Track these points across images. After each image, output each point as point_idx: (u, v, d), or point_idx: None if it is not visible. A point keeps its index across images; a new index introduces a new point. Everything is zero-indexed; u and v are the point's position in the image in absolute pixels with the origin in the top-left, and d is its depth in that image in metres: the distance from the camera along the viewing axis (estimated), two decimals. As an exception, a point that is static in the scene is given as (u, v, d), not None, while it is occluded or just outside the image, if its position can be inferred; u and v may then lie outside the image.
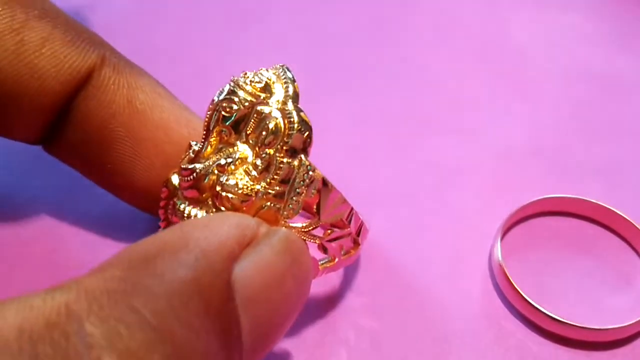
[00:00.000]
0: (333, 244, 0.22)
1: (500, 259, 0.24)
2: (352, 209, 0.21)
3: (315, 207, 0.20)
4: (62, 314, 0.13)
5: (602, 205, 0.26)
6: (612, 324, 0.23)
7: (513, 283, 0.23)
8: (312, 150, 0.21)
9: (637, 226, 0.25)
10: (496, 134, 0.30)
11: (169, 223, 0.21)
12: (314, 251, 0.21)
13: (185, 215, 0.20)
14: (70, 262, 0.25)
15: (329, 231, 0.21)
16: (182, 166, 0.20)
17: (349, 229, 0.22)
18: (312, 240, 0.21)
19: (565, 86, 0.33)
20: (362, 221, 0.22)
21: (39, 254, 0.25)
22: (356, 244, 0.22)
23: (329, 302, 0.24)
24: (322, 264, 0.22)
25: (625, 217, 0.26)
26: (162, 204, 0.21)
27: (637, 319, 0.23)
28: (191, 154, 0.20)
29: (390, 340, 0.23)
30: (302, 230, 0.21)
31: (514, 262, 0.25)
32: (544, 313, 0.23)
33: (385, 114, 0.31)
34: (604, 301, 0.24)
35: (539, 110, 0.31)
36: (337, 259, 0.22)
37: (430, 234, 0.26)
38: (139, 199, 0.24)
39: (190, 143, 0.21)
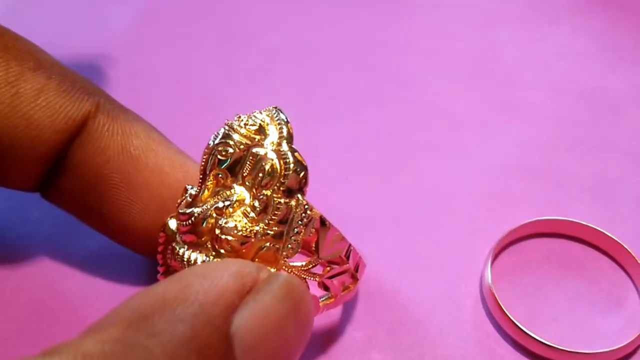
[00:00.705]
0: (333, 281, 0.22)
1: (490, 283, 0.24)
2: (349, 245, 0.22)
3: (314, 245, 0.21)
4: None
5: (593, 227, 0.26)
6: (603, 347, 0.23)
7: (503, 308, 0.24)
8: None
9: (628, 248, 0.26)
10: (486, 155, 0.30)
11: (167, 268, 0.22)
12: (314, 289, 0.21)
13: (185, 259, 0.20)
14: (67, 297, 0.25)
15: (328, 268, 0.22)
16: (180, 211, 0.21)
17: (347, 265, 0.22)
18: (312, 279, 0.22)
19: (555, 104, 0.33)
20: (359, 256, 0.22)
21: (36, 288, 0.25)
22: (354, 279, 0.23)
23: (324, 331, 0.24)
24: (322, 301, 0.22)
25: (615, 239, 0.26)
26: (160, 249, 0.22)
27: (626, 342, 0.23)
28: (188, 198, 0.21)
29: (383, 366, 0.23)
30: (302, 269, 0.21)
31: (505, 286, 0.25)
32: (534, 338, 0.23)
33: (375, 137, 0.31)
34: (594, 324, 0.24)
35: (529, 130, 0.32)
36: (337, 296, 0.22)
37: (423, 259, 0.26)
38: (135, 242, 0.24)
39: (186, 187, 0.21)
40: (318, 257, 0.21)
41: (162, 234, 0.22)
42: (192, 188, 0.21)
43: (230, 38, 0.37)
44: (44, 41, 0.25)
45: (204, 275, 0.16)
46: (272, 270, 0.19)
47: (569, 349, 0.23)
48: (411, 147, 0.31)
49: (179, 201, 0.21)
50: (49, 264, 0.26)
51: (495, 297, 0.24)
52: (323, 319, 0.24)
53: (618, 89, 0.34)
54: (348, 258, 0.22)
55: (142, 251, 0.24)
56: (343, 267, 0.22)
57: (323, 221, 0.20)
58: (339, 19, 0.38)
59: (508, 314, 0.23)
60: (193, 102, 0.33)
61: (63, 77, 0.23)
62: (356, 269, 0.23)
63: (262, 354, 0.16)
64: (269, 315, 0.16)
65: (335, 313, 0.25)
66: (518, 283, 0.26)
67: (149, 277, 0.25)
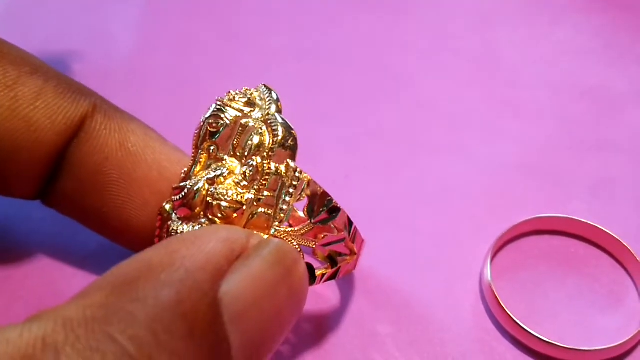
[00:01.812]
0: (328, 249, 0.22)
1: (490, 280, 0.24)
2: (344, 212, 0.21)
3: (305, 210, 0.21)
4: (38, 348, 0.13)
5: (593, 225, 0.26)
6: (602, 343, 0.23)
7: (503, 305, 0.24)
8: (304, 169, 0.22)
9: (627, 245, 0.26)
10: (486, 152, 0.31)
11: None
12: (312, 261, 0.21)
13: (178, 233, 0.21)
14: (68, 296, 0.25)
15: (322, 235, 0.21)
16: (173, 187, 0.21)
17: (342, 233, 0.21)
18: (305, 244, 0.21)
19: (555, 103, 0.33)
20: (355, 226, 0.22)
21: (37, 287, 0.25)
22: (352, 252, 0.22)
23: (323, 329, 0.24)
24: (320, 271, 0.22)
25: (615, 236, 0.26)
26: (157, 232, 0.22)
27: (626, 339, 0.23)
28: (182, 175, 0.21)
29: (383, 363, 0.23)
30: (295, 233, 0.21)
31: (504, 283, 0.25)
32: (534, 335, 0.23)
33: (376, 135, 0.31)
34: (594, 321, 0.25)
35: (529, 128, 0.32)
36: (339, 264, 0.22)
37: (422, 256, 0.27)
38: (135, 240, 0.24)
39: (183, 171, 0.22)
40: (310, 221, 0.21)
41: (158, 217, 0.22)
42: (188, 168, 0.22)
43: (230, 37, 0.37)
44: (43, 41, 0.25)
45: (192, 241, 0.16)
46: (264, 236, 0.19)
47: (568, 346, 0.23)
48: (411, 145, 0.31)
49: (173, 186, 0.22)
50: (50, 264, 0.26)
51: (495, 295, 0.24)
52: (321, 314, 0.24)
53: (618, 87, 0.34)
54: (344, 227, 0.21)
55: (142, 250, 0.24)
56: (338, 235, 0.21)
57: (314, 184, 0.21)
58: (340, 18, 0.38)
59: (507, 311, 0.23)
60: (193, 101, 0.33)
61: (59, 80, 0.23)
62: (353, 240, 0.22)
63: (253, 320, 0.16)
64: (259, 280, 0.16)
65: (333, 310, 0.25)
66: (518, 280, 0.26)
67: None
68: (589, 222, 0.27)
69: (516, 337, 0.24)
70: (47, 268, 0.26)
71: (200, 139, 0.21)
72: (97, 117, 0.23)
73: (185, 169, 0.21)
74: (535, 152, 0.31)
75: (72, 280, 0.26)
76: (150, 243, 0.22)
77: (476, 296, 0.25)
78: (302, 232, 0.21)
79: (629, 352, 0.24)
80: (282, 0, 0.39)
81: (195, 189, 0.20)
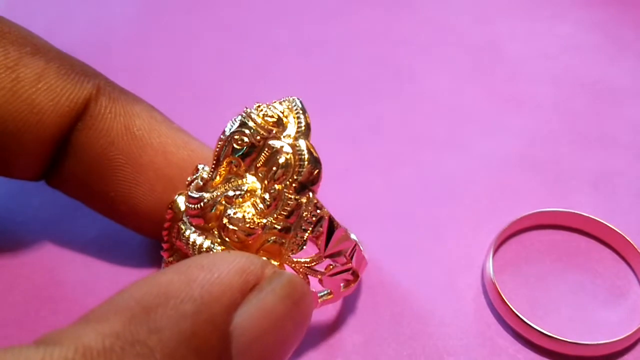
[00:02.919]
0: (335, 278, 0.22)
1: (492, 274, 0.24)
2: (355, 245, 0.21)
3: (319, 242, 0.21)
4: None
5: (595, 219, 0.26)
6: (604, 337, 0.23)
7: (505, 299, 0.24)
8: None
9: (630, 239, 0.26)
10: (488, 147, 0.30)
11: (171, 246, 0.22)
12: (314, 283, 0.21)
13: (190, 242, 0.20)
14: (67, 283, 0.25)
15: (331, 266, 0.21)
16: (190, 194, 0.20)
17: (350, 264, 0.22)
18: (314, 275, 0.21)
19: (557, 97, 0.33)
20: (363, 255, 0.22)
21: (36, 274, 0.25)
22: (355, 276, 0.23)
23: (325, 323, 0.24)
24: (322, 297, 0.22)
25: (617, 230, 0.26)
26: (166, 225, 0.22)
27: (628, 333, 0.23)
28: (199, 181, 0.20)
29: (385, 357, 0.23)
30: (305, 265, 0.21)
31: (506, 277, 0.25)
32: (536, 329, 0.23)
33: (377, 129, 0.31)
34: (596, 315, 0.24)
35: (531, 122, 0.32)
36: (337, 293, 0.22)
37: (424, 251, 0.26)
38: (142, 224, 0.24)
39: (197, 166, 0.21)
40: (323, 255, 0.21)
41: (169, 211, 0.21)
42: (203, 168, 0.21)
43: (232, 32, 0.37)
44: (43, 34, 0.24)
45: (209, 268, 0.16)
46: (276, 264, 0.19)
47: (570, 340, 0.23)
48: (413, 139, 0.31)
49: (189, 179, 0.21)
50: (49, 251, 0.26)
51: (497, 289, 0.24)
52: (324, 310, 0.24)
53: (620, 81, 0.34)
54: (352, 257, 0.22)
55: (149, 233, 0.24)
56: (345, 266, 0.22)
57: (332, 221, 0.20)
58: (341, 12, 0.38)
59: (510, 305, 0.23)
60: (195, 95, 0.33)
61: (62, 60, 0.22)
62: (358, 264, 0.22)
63: (258, 351, 0.16)
64: (269, 314, 0.17)
65: (336, 305, 0.25)
66: (520, 274, 0.26)
67: (151, 262, 0.26)
68: (591, 216, 0.26)
69: (518, 331, 0.24)
70: (46, 255, 0.26)
71: (224, 152, 0.20)
72: (102, 100, 0.23)
73: (203, 172, 0.21)
74: (537, 146, 0.31)
75: (72, 267, 0.26)
76: (156, 229, 0.23)
77: (478, 290, 0.25)
78: (312, 264, 0.21)
79: (631, 347, 0.24)
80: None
81: (212, 203, 0.20)
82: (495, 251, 0.26)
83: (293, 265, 0.21)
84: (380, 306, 0.25)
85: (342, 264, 0.21)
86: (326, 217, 0.20)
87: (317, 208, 0.20)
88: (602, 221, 0.26)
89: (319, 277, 0.21)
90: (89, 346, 0.13)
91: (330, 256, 0.21)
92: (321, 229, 0.20)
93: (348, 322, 0.24)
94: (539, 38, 0.36)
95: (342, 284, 0.22)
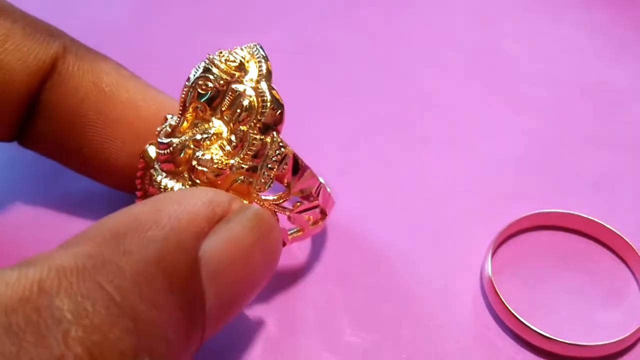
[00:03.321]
0: (302, 215, 0.23)
1: (490, 275, 0.24)
2: (320, 183, 0.22)
3: (285, 180, 0.22)
4: (34, 291, 0.14)
5: (594, 220, 0.26)
6: (603, 339, 0.23)
7: (503, 300, 0.24)
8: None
9: (628, 241, 0.26)
10: (487, 148, 0.30)
11: (145, 193, 0.23)
12: (284, 222, 0.22)
13: (162, 187, 0.21)
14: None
15: (298, 203, 0.23)
16: (160, 140, 0.21)
17: (317, 201, 0.23)
18: (282, 212, 0.22)
19: (556, 98, 0.33)
20: (329, 194, 0.23)
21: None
22: (323, 214, 0.24)
23: (322, 329, 0.24)
24: (291, 234, 0.23)
25: (616, 232, 0.26)
26: (139, 174, 0.23)
27: (626, 335, 0.23)
28: (168, 128, 0.21)
29: (384, 359, 0.23)
30: (273, 202, 0.22)
31: (505, 278, 0.25)
32: (535, 330, 0.23)
33: (375, 129, 0.31)
34: (595, 316, 0.24)
35: (530, 123, 0.32)
36: (305, 230, 0.23)
37: (423, 251, 0.26)
38: (116, 178, 0.25)
39: (166, 116, 0.22)
40: (289, 192, 0.22)
41: (141, 160, 0.22)
42: (172, 118, 0.22)
43: (230, 30, 0.37)
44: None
45: (178, 201, 0.17)
46: (245, 202, 0.20)
47: (568, 341, 0.23)
48: (412, 140, 0.31)
49: (158, 129, 0.22)
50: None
51: (496, 290, 0.24)
52: (319, 310, 0.24)
53: (619, 83, 0.34)
54: (318, 195, 0.23)
55: (123, 187, 0.25)
56: (313, 203, 0.23)
57: (296, 159, 0.21)
58: (339, 11, 0.38)
59: (508, 307, 0.23)
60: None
61: (27, 21, 0.23)
62: (325, 203, 0.23)
63: (227, 278, 0.17)
64: (236, 243, 0.18)
65: (334, 306, 0.25)
66: (518, 276, 0.26)
67: None
68: (590, 217, 0.26)
69: (516, 332, 0.24)
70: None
71: (189, 98, 0.21)
72: (69, 58, 0.23)
73: (171, 121, 0.22)
74: (537, 148, 0.31)
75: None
76: (131, 182, 0.23)
77: (477, 291, 0.25)
78: (280, 201, 0.22)
79: (629, 348, 0.24)
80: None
81: (181, 147, 0.21)
82: (494, 252, 0.26)
83: (261, 203, 0.22)
84: (379, 308, 0.25)
85: (310, 202, 0.23)
86: (290, 155, 0.21)
87: (282, 147, 0.21)
88: (601, 222, 0.26)
89: (287, 214, 0.22)
90: (62, 266, 0.14)
91: (297, 193, 0.22)
92: (286, 167, 0.21)
93: (346, 322, 0.24)
94: (539, 39, 0.36)
95: (310, 222, 0.23)
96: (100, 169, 0.24)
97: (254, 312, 0.24)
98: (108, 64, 0.24)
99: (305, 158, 0.23)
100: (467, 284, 0.25)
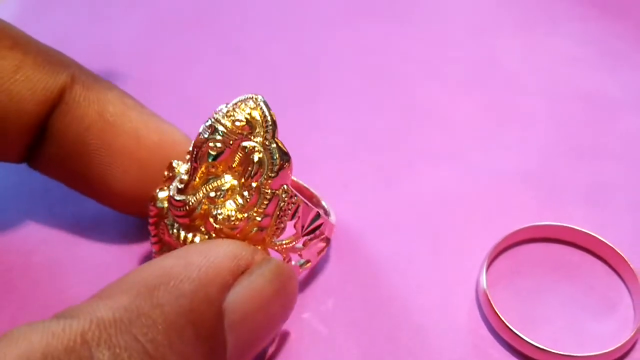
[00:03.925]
0: (311, 250, 0.25)
1: (485, 287, 0.25)
2: (325, 220, 0.24)
3: (297, 226, 0.23)
4: (78, 342, 0.16)
5: (587, 233, 0.27)
6: (596, 349, 0.23)
7: (498, 312, 0.24)
8: (303, 178, 0.25)
9: (621, 253, 0.26)
10: (482, 160, 0.31)
11: (160, 240, 0.24)
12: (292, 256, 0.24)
13: (182, 239, 0.22)
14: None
15: (308, 240, 0.24)
16: (175, 198, 0.22)
17: (324, 235, 0.25)
18: (294, 252, 0.24)
19: (551, 110, 0.33)
20: (333, 224, 0.25)
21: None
22: (327, 241, 0.25)
23: (319, 339, 0.25)
24: (301, 265, 0.25)
25: (609, 244, 0.26)
26: (151, 221, 0.24)
27: (618, 345, 0.23)
28: (179, 184, 0.22)
29: (380, 370, 0.24)
30: (286, 246, 0.24)
31: (500, 290, 0.26)
32: (529, 342, 0.23)
33: (373, 143, 0.32)
34: (588, 327, 0.25)
35: (524, 135, 0.32)
36: (313, 260, 0.25)
37: (419, 263, 0.27)
38: (120, 203, 0.26)
39: (171, 163, 0.23)
40: (300, 235, 0.24)
41: (152, 208, 0.23)
42: (178, 164, 0.23)
43: (229, 46, 0.37)
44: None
45: (204, 254, 0.19)
46: (265, 254, 0.21)
47: (562, 352, 0.23)
48: (408, 153, 0.31)
49: (165, 174, 0.23)
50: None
51: (490, 302, 0.24)
52: (316, 324, 0.25)
53: (613, 94, 0.34)
54: (324, 229, 0.25)
55: (127, 211, 0.27)
56: (320, 238, 0.25)
57: (306, 206, 0.23)
58: (338, 27, 0.39)
59: (503, 318, 0.24)
60: (194, 112, 0.34)
61: (38, 52, 0.24)
62: (329, 233, 0.25)
63: (248, 326, 0.19)
64: (258, 295, 0.19)
65: (330, 316, 0.25)
66: (513, 287, 0.26)
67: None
68: (583, 230, 0.27)
69: (511, 344, 0.24)
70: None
71: (200, 159, 0.22)
72: (76, 88, 0.24)
73: (182, 172, 0.23)
74: (531, 160, 0.31)
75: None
76: (135, 207, 0.25)
77: (472, 303, 0.26)
78: (292, 244, 0.24)
79: (621, 358, 0.24)
80: (280, 9, 0.40)
81: (197, 205, 0.22)
82: (489, 264, 0.26)
83: (276, 247, 0.23)
84: (375, 319, 0.25)
85: (317, 237, 0.24)
86: (301, 205, 0.23)
87: (292, 196, 0.22)
88: (594, 234, 0.27)
89: (299, 253, 0.24)
90: (102, 318, 0.16)
91: (307, 234, 0.24)
92: (298, 215, 0.23)
93: (343, 336, 0.25)
94: (535, 52, 0.37)
95: (317, 254, 0.25)
96: (105, 193, 0.26)
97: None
98: (114, 94, 0.25)
99: (303, 172, 0.24)
100: (463, 296, 0.26)
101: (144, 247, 0.27)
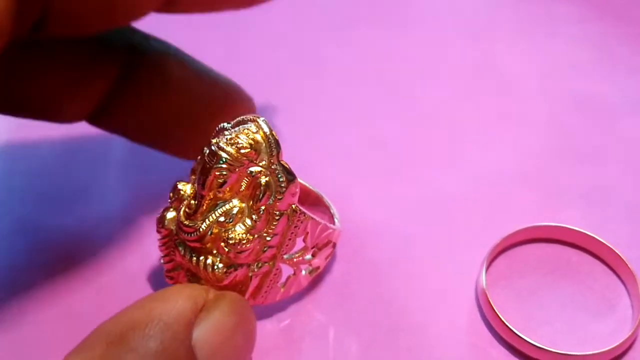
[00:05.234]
0: (320, 258, 0.25)
1: (485, 287, 0.25)
2: (333, 230, 0.24)
3: (306, 240, 0.23)
4: None
5: (586, 233, 0.27)
6: (594, 349, 0.24)
7: (497, 312, 0.24)
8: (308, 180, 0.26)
9: (619, 253, 0.26)
10: (482, 162, 0.31)
11: (172, 260, 0.24)
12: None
13: (194, 261, 0.22)
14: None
15: (316, 251, 0.25)
16: (185, 224, 0.22)
17: (331, 243, 0.25)
18: (304, 264, 0.24)
19: (550, 113, 0.34)
20: (337, 232, 0.25)
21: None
22: (333, 246, 0.26)
23: (320, 338, 0.25)
24: (310, 272, 0.25)
25: (608, 244, 0.27)
26: (162, 242, 0.23)
27: (616, 344, 0.24)
28: (188, 210, 0.22)
29: (381, 369, 0.24)
30: (296, 259, 0.24)
31: (499, 290, 0.26)
32: (528, 341, 0.24)
33: (372, 146, 0.32)
34: (587, 327, 0.25)
35: (524, 138, 0.32)
36: (322, 267, 0.26)
37: (419, 264, 0.27)
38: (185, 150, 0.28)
39: (176, 185, 0.23)
40: (309, 247, 0.24)
41: (162, 230, 0.23)
42: (184, 186, 0.23)
43: (232, 51, 0.38)
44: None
45: (163, 300, 0.20)
46: (217, 292, 0.22)
47: (561, 352, 0.23)
48: (407, 155, 0.32)
49: (170, 195, 0.23)
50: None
51: (490, 302, 0.25)
52: (317, 324, 0.25)
53: (612, 97, 0.35)
54: (331, 239, 0.25)
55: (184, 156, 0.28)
56: (328, 246, 0.25)
57: (314, 222, 0.23)
58: (338, 32, 0.39)
59: (502, 318, 0.24)
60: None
61: None
62: (336, 240, 0.26)
63: (219, 358, 0.20)
64: (222, 327, 0.20)
65: (330, 318, 0.25)
66: (512, 288, 0.26)
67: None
68: (582, 230, 0.27)
69: (510, 343, 0.24)
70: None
71: (208, 185, 0.21)
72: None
73: (189, 195, 0.23)
74: (531, 162, 0.31)
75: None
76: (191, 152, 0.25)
77: (471, 303, 0.26)
78: (301, 257, 0.24)
79: (620, 356, 0.24)
80: (283, 16, 0.40)
81: (208, 230, 0.22)
82: (489, 265, 0.27)
83: (287, 262, 0.24)
84: (376, 320, 0.25)
85: (325, 245, 0.25)
86: (310, 221, 0.23)
87: (300, 214, 0.22)
88: (593, 235, 0.27)
89: (309, 265, 0.25)
90: None
91: (316, 246, 0.24)
92: (307, 231, 0.23)
93: (343, 336, 0.25)
94: (534, 55, 0.37)
95: (325, 260, 0.26)
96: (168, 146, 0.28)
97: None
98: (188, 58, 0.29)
99: (307, 176, 0.24)
100: (463, 296, 0.26)
101: (144, 246, 0.28)
